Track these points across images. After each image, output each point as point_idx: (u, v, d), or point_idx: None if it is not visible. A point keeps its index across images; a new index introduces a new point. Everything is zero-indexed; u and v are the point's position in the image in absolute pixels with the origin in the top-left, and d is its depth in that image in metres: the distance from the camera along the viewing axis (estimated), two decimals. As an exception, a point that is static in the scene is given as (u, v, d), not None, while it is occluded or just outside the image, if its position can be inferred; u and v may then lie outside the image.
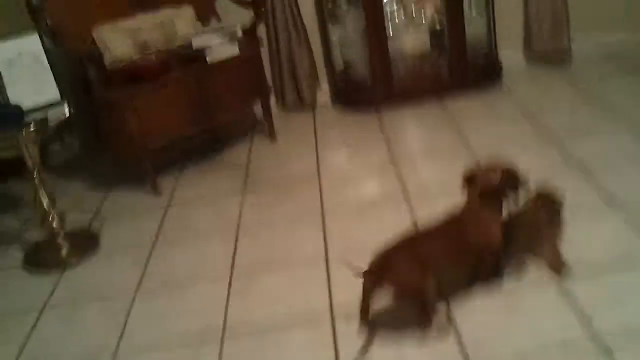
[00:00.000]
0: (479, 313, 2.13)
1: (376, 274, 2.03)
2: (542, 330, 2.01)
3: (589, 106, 3.46)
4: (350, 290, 2.32)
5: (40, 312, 2.54)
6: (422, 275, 2.02)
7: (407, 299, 2.10)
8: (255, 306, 2.38)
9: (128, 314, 2.46)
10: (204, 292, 2.51)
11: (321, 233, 2.75)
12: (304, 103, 4.09)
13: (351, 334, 2.13)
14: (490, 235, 2.16)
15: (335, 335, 2.15)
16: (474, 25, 3.88)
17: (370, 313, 2.12)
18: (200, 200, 3.24)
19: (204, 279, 2.59)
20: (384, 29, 3.77)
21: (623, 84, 3.64)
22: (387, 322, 2.13)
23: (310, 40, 3.99)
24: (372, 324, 2.11)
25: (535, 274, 2.24)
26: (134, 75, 3.16)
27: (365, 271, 2.04)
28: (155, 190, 3.36)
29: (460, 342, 2.02)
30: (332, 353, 2.08)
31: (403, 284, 2.03)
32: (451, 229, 2.14)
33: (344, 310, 2.24)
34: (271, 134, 3.76)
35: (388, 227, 2.65)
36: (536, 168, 2.39)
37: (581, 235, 2.35)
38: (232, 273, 2.59)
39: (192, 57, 3.32)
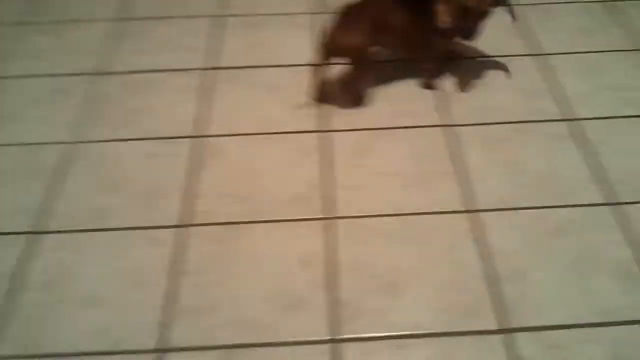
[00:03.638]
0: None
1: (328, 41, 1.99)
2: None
3: None
4: (235, 48, 2.38)
5: None
6: (362, 35, 1.98)
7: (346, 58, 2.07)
8: (136, 51, 2.38)
9: (5, 44, 2.44)
10: (88, 32, 2.48)
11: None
12: None
13: (223, 88, 2.20)
14: None
15: (208, 87, 2.21)
16: None
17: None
18: None
19: (90, 20, 2.55)
20: None
21: None
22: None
23: None
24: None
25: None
26: None
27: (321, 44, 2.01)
28: None
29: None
30: (201, 101, 2.15)
31: (344, 44, 1.99)
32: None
33: (224, 65, 2.30)
34: None
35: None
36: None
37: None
38: (120, 17, 2.56)
39: None
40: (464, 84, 2.20)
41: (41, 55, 2.38)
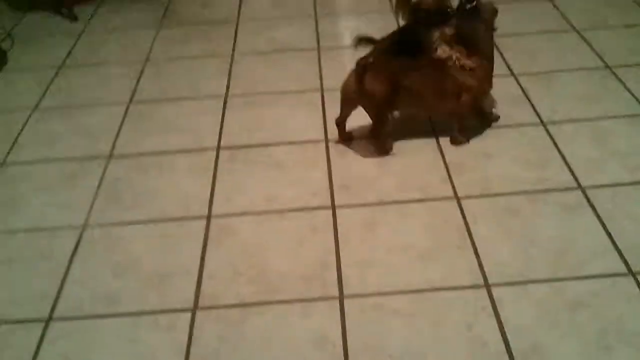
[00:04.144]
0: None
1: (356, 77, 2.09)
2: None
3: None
4: (240, 127, 2.40)
5: None
6: (384, 85, 2.06)
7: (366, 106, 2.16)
8: (147, 133, 2.42)
9: (22, 129, 2.48)
10: (100, 116, 2.53)
11: (227, 74, 2.76)
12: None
13: (230, 167, 2.21)
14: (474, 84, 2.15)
15: (216, 167, 2.22)
16: None
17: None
18: (115, 30, 3.20)
19: (102, 104, 2.60)
20: None
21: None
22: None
23: None
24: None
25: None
26: None
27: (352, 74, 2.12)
28: (72, 16, 3.29)
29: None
30: (209, 180, 2.16)
31: (366, 90, 2.08)
32: (433, 66, 2.13)
33: (230, 144, 2.32)
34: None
35: (292, 75, 2.70)
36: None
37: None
38: (131, 101, 2.61)
39: None
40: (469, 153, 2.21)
41: (55, 139, 2.41)
